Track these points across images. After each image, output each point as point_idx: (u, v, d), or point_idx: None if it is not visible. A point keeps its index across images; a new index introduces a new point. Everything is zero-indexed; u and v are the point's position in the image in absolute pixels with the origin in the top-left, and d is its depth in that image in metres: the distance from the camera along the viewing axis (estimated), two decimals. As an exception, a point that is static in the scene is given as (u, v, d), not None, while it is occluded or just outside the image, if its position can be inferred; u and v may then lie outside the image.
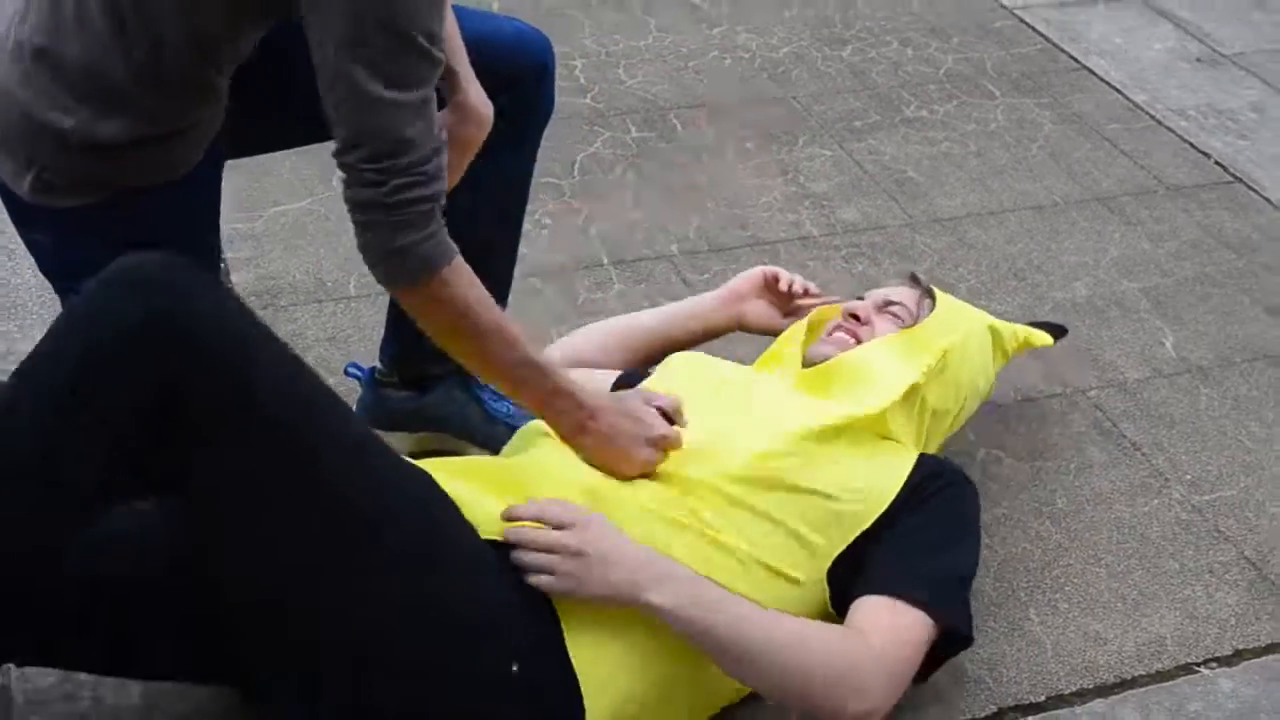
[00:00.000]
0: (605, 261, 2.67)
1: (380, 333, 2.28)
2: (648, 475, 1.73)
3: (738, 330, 2.22)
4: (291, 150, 2.86)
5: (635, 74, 3.34)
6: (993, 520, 2.15)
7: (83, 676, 1.72)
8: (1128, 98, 3.44)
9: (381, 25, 1.50)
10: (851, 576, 1.76)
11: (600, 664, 1.59)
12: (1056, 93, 3.43)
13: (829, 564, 1.76)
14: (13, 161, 1.69)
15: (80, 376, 1.38)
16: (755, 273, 2.22)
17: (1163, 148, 3.24)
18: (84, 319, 1.41)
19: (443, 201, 1.60)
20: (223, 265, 2.54)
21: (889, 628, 1.70)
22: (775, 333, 2.15)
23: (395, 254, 1.59)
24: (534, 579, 1.58)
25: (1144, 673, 1.93)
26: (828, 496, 1.76)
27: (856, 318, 2.05)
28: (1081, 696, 1.89)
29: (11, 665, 1.69)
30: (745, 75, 3.38)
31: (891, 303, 2.09)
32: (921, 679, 1.77)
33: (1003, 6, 3.84)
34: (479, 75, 1.86)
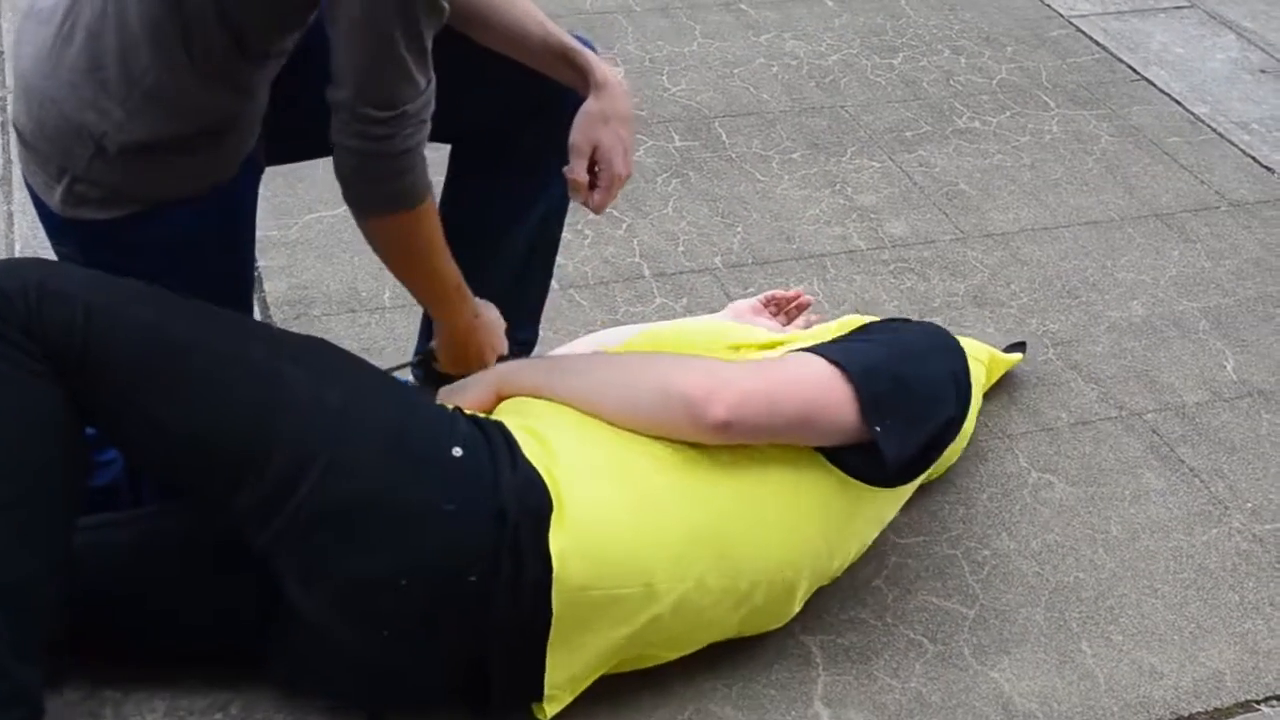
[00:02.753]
0: (646, 274, 2.61)
1: (413, 343, 2.24)
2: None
3: None
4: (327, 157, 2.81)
5: (679, 81, 3.28)
6: (1044, 548, 2.07)
7: (107, 692, 1.71)
8: (1188, 110, 3.35)
9: None
10: None
11: (564, 459, 1.65)
12: (1114, 104, 3.34)
13: None
14: (44, 172, 1.65)
15: None
16: (751, 300, 2.32)
17: (1224, 162, 3.14)
18: None
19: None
20: (256, 273, 2.49)
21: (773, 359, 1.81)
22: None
23: (392, 194, 1.65)
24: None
25: (1201, 709, 1.85)
26: None
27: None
28: (1136, 736, 1.81)
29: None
30: (792, 83, 3.31)
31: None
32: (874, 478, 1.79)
33: (1059, 15, 3.75)
34: (528, 89, 1.84)
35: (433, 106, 1.62)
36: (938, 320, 2.53)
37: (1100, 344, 2.52)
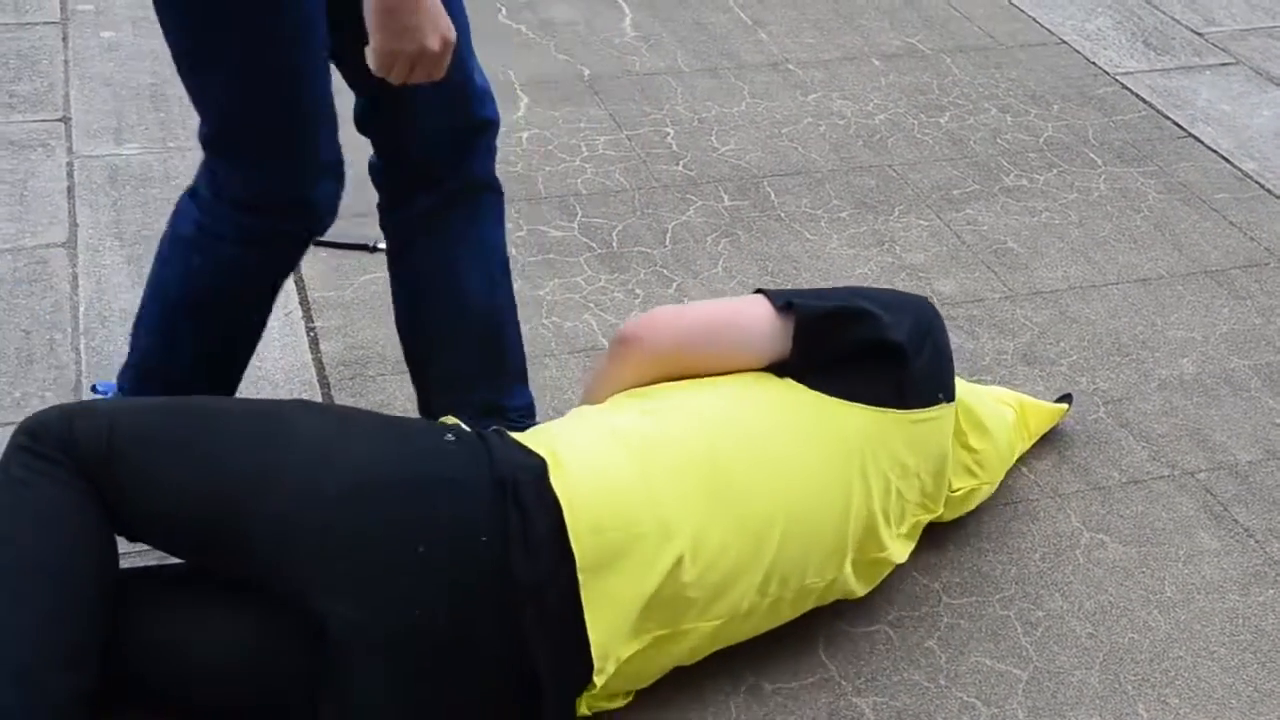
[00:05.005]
0: (696, 332, 2.62)
1: (468, 404, 2.27)
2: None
3: None
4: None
5: (728, 141, 3.31)
6: (1098, 609, 2.07)
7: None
8: (1236, 166, 3.35)
9: None
10: None
11: (556, 435, 1.79)
12: (1161, 161, 3.35)
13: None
14: None
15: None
16: None
17: (1274, 218, 3.14)
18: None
19: None
20: (311, 334, 2.53)
21: None
22: None
23: None
24: None
25: (1260, 775, 1.84)
26: None
27: None
28: (1194, 800, 1.80)
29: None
30: (840, 142, 3.34)
31: None
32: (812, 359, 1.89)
33: (1105, 73, 3.76)
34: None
35: None
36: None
37: (1151, 402, 2.52)
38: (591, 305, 2.67)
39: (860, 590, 1.96)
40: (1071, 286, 2.85)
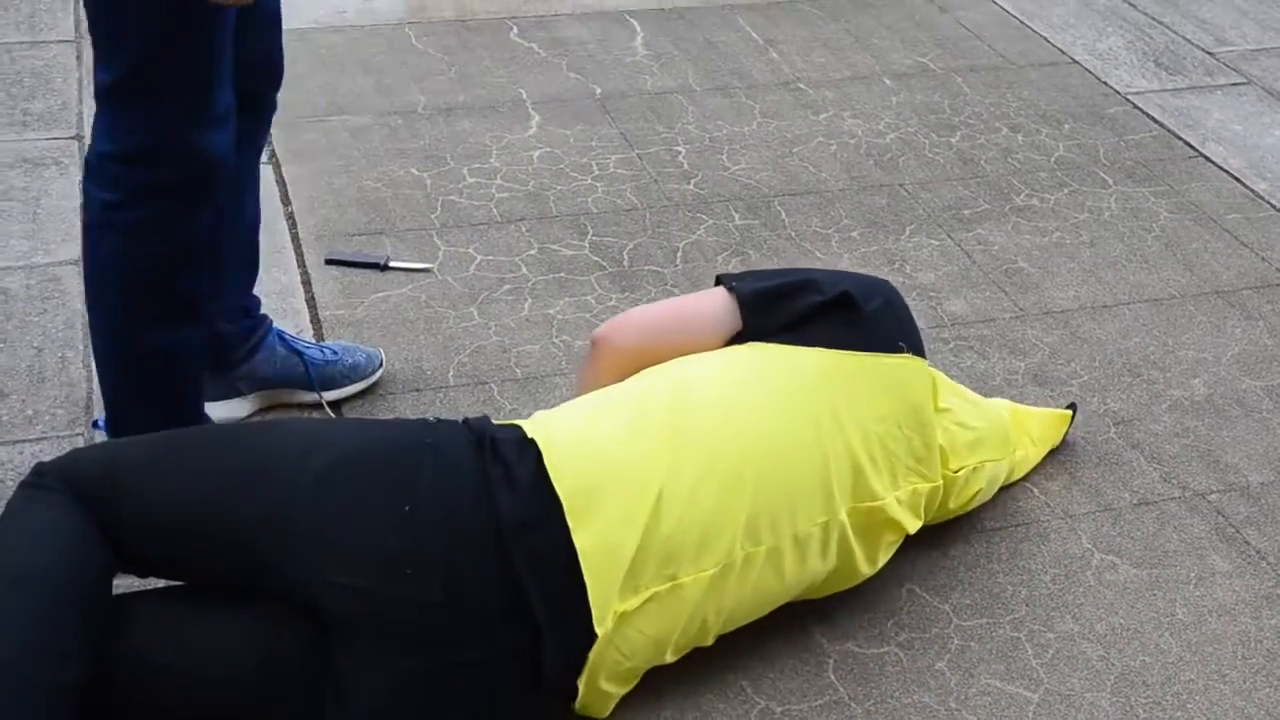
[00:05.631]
0: (707, 352, 2.62)
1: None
2: None
3: None
4: (397, 238, 2.88)
5: (739, 160, 3.31)
6: (1109, 631, 2.06)
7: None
8: (1247, 186, 3.34)
9: None
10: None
11: (548, 417, 1.87)
12: (1172, 181, 3.34)
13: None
14: None
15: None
16: None
17: (1285, 239, 3.14)
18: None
19: None
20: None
21: None
22: None
23: None
24: None
25: (1272, 800, 1.83)
26: None
27: None
28: (1206, 825, 1.79)
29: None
30: (851, 162, 3.34)
31: None
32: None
33: (1116, 92, 3.76)
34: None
35: None
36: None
37: (1162, 423, 2.51)
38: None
39: (864, 561, 1.97)
40: (1082, 306, 2.85)
